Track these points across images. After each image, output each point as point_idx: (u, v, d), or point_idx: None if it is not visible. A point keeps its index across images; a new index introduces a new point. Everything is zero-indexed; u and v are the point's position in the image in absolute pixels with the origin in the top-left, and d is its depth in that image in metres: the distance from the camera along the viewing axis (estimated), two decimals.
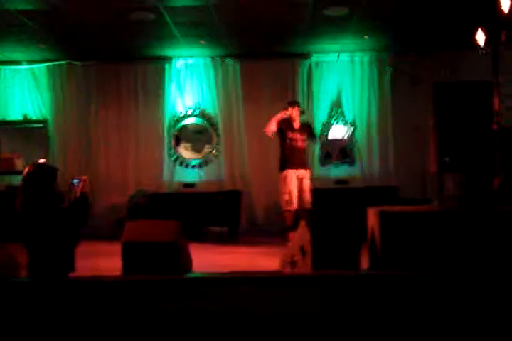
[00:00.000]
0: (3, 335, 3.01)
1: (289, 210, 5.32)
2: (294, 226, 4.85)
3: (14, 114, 7.40)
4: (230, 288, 3.40)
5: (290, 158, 5.47)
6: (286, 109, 5.60)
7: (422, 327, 2.86)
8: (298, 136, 5.55)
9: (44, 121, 7.39)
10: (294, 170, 5.43)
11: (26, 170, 3.20)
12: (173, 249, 3.52)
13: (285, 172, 5.45)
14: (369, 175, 7.18)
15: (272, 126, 5.50)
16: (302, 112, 5.76)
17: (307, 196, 5.42)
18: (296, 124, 5.63)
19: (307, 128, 5.73)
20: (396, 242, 3.29)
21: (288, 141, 5.52)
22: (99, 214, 7.10)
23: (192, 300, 3.38)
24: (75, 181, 3.32)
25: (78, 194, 3.23)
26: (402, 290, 3.21)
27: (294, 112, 5.58)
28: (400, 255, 3.28)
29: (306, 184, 5.46)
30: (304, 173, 5.49)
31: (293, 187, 5.36)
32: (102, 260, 4.64)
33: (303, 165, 5.52)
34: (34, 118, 7.39)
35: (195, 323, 3.15)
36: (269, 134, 5.56)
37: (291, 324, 3.17)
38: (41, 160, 3.31)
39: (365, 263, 3.62)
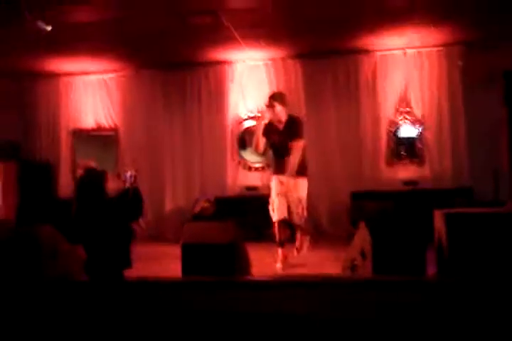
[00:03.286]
0: (59, 335, 3.12)
1: (274, 221, 4.57)
2: (282, 242, 4.52)
3: (87, 123, 7.79)
4: (287, 292, 3.32)
5: (274, 163, 4.80)
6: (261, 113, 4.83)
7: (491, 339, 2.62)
8: (280, 139, 4.61)
9: (115, 129, 7.73)
10: (277, 176, 4.63)
11: (78, 176, 3.35)
12: (231, 250, 3.50)
13: (272, 177, 4.73)
14: (440, 175, 6.79)
15: (261, 142, 4.68)
16: (281, 103, 4.63)
17: (297, 209, 4.50)
18: (279, 124, 4.67)
19: (290, 128, 4.63)
20: (464, 246, 3.05)
21: (271, 144, 4.74)
22: (166, 217, 7.31)
23: (249, 304, 3.34)
24: (128, 175, 3.43)
25: (129, 186, 3.33)
26: (472, 299, 2.97)
27: (271, 113, 4.63)
28: (469, 260, 3.04)
29: (295, 194, 4.50)
30: (291, 181, 4.51)
31: (275, 195, 4.53)
32: (165, 262, 4.74)
33: (284, 172, 4.55)
34: (106, 125, 7.75)
35: (251, 327, 3.11)
36: (260, 151, 4.82)
37: (348, 330, 3.05)
38: (91, 165, 3.45)
39: (431, 268, 3.40)
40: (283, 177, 4.52)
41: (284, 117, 4.64)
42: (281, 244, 4.53)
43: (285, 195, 4.48)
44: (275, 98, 4.66)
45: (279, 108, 4.60)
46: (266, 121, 4.66)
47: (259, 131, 4.66)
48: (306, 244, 4.64)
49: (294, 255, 4.65)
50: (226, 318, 3.19)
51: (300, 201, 4.47)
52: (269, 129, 4.66)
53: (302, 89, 7.13)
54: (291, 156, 4.48)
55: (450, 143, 6.80)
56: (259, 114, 6.61)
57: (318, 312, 3.11)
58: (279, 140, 4.61)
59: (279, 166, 4.62)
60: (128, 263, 3.28)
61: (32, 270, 3.67)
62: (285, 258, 4.51)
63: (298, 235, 4.65)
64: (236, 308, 3.32)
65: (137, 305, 3.26)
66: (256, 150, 4.81)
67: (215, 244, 3.49)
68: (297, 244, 4.67)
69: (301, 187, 4.52)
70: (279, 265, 4.47)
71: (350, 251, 3.73)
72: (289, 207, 4.47)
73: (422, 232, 3.38)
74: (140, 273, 3.61)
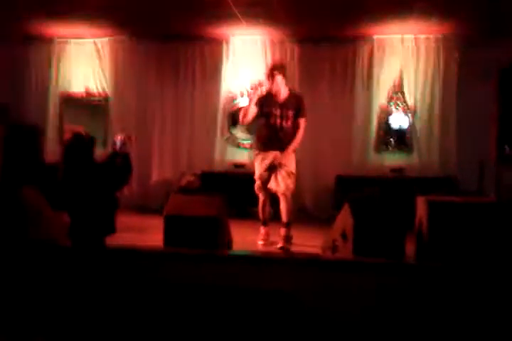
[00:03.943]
0: (39, 299, 3.14)
1: (260, 197, 4.54)
2: (265, 221, 4.52)
3: (77, 88, 7.67)
4: (266, 268, 3.37)
5: (264, 138, 4.48)
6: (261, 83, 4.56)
7: (466, 322, 2.71)
8: (277, 111, 4.41)
9: (105, 96, 7.61)
10: (267, 152, 4.46)
11: (65, 141, 3.30)
12: (215, 224, 3.52)
13: (256, 153, 4.57)
14: (427, 164, 6.86)
15: (250, 112, 4.42)
16: (283, 74, 4.45)
17: (285, 180, 4.40)
18: (280, 97, 4.48)
19: (294, 102, 4.46)
20: (444, 233, 3.11)
21: (264, 117, 4.47)
22: (152, 188, 7.30)
23: (229, 277, 3.38)
24: (118, 140, 3.40)
25: (119, 151, 3.30)
26: (448, 283, 3.05)
27: (274, 83, 4.42)
28: (447, 247, 3.11)
29: (284, 166, 4.40)
30: (280, 156, 4.40)
31: (264, 170, 4.43)
32: (148, 233, 4.75)
33: (280, 147, 4.42)
34: (96, 92, 7.63)
35: (229, 300, 3.16)
36: (246, 122, 4.60)
37: (326, 308, 3.11)
38: (79, 130, 3.39)
39: (410, 253, 3.47)
40: (276, 153, 4.40)
41: (284, 90, 4.47)
42: (265, 223, 4.55)
43: (275, 170, 4.40)
44: (277, 68, 4.48)
45: (279, 79, 4.42)
46: (262, 91, 4.47)
47: (252, 101, 4.44)
48: (290, 240, 4.49)
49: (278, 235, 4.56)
50: (205, 291, 3.23)
51: (289, 175, 4.41)
52: (266, 100, 4.44)
53: (297, 73, 7.08)
54: (298, 132, 4.43)
55: (439, 133, 6.84)
56: (253, 87, 6.45)
57: (297, 290, 3.16)
58: (278, 113, 4.41)
59: (271, 141, 4.41)
60: (112, 229, 3.29)
61: (16, 231, 3.66)
62: (267, 236, 4.55)
63: (283, 229, 4.48)
64: (216, 281, 3.37)
65: (117, 272, 3.28)
66: (242, 121, 4.56)
67: (198, 216, 3.51)
68: (282, 237, 4.45)
69: (293, 161, 4.48)
70: (261, 242, 4.52)
71: (331, 232, 3.78)
72: (277, 181, 4.39)
73: (404, 217, 3.44)
74: (122, 243, 3.63)
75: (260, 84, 4.53)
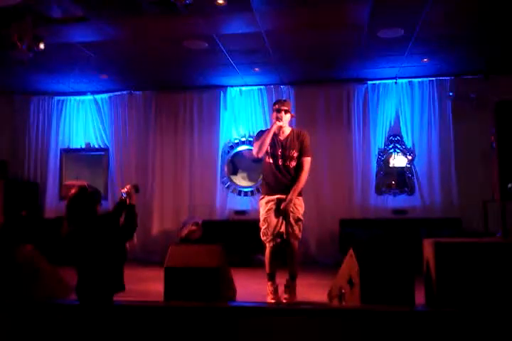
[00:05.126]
0: None
1: (267, 245, 4.10)
2: (273, 275, 4.05)
3: (78, 142, 7.76)
4: (273, 320, 3.24)
5: (269, 180, 4.15)
6: (275, 116, 4.15)
7: None
8: (279, 151, 4.12)
9: (105, 149, 7.69)
10: (271, 196, 4.11)
11: (70, 194, 3.25)
12: (215, 275, 3.42)
13: (261, 197, 4.21)
14: (430, 205, 6.80)
15: (267, 143, 4.10)
16: (292, 115, 4.24)
17: (292, 229, 4.04)
18: (283, 136, 4.19)
19: (297, 141, 4.15)
20: (453, 276, 3.00)
21: (267, 158, 4.16)
22: (153, 239, 7.21)
23: (233, 330, 3.25)
24: (123, 195, 3.34)
25: (125, 201, 3.25)
26: (461, 329, 2.91)
27: (282, 117, 4.12)
28: (457, 290, 2.99)
29: (292, 213, 4.05)
30: (286, 201, 4.04)
31: (269, 217, 4.06)
32: (152, 285, 4.62)
33: (285, 189, 4.07)
34: (96, 146, 7.71)
35: None
36: (261, 154, 4.16)
37: None
38: (83, 184, 3.35)
39: (420, 298, 3.34)
40: (281, 197, 4.05)
41: (287, 128, 4.21)
42: (272, 277, 4.07)
43: (281, 215, 4.04)
44: (285, 104, 4.20)
45: (287, 117, 4.17)
46: (280, 124, 4.12)
47: (271, 132, 4.09)
48: (295, 291, 4.09)
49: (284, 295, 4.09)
50: None
51: (297, 222, 4.07)
52: (272, 140, 4.13)
53: (294, 116, 7.14)
54: (302, 173, 4.08)
55: (440, 172, 6.84)
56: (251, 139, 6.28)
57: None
58: (280, 153, 4.13)
59: (275, 183, 4.11)
60: (121, 286, 3.18)
61: (11, 290, 3.55)
62: (277, 292, 4.06)
63: (289, 280, 4.09)
64: (219, 335, 3.23)
65: (123, 329, 3.18)
66: (258, 152, 4.13)
67: (199, 267, 3.41)
68: (288, 289, 4.06)
69: (300, 206, 4.11)
70: (270, 299, 4.01)
71: (337, 279, 3.66)
72: (285, 227, 4.04)
73: (411, 261, 3.34)
74: (123, 296, 3.53)
75: (277, 119, 4.14)
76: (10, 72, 6.57)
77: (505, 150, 3.21)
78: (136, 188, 3.41)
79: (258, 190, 7.17)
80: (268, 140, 4.08)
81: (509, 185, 3.11)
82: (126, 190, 3.36)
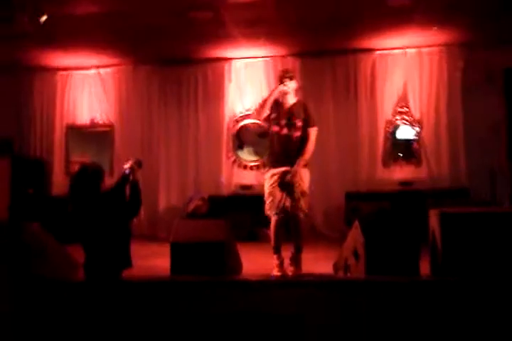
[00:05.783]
0: (56, 335, 3.06)
1: (272, 219, 4.06)
2: (278, 248, 4.02)
3: (83, 118, 7.71)
4: (279, 293, 3.25)
5: (274, 152, 4.08)
6: (280, 79, 4.08)
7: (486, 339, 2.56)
8: (284, 120, 4.02)
9: (110, 125, 7.64)
10: (276, 168, 4.03)
11: (72, 173, 3.25)
12: (221, 249, 3.43)
13: (267, 170, 4.15)
14: (437, 176, 6.72)
15: (268, 104, 3.99)
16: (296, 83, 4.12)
17: (298, 202, 3.98)
18: (288, 105, 4.09)
19: (302, 111, 4.07)
20: (458, 246, 2.98)
21: (271, 127, 4.07)
22: (160, 215, 7.24)
23: (240, 303, 3.27)
24: (126, 170, 3.31)
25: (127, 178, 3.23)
26: (466, 298, 2.91)
27: (284, 88, 4.02)
28: (463, 260, 2.97)
29: (297, 186, 3.96)
30: (292, 173, 3.96)
31: (274, 191, 3.99)
32: (159, 260, 4.66)
33: (289, 161, 3.98)
34: (101, 121, 7.65)
35: (241, 327, 3.05)
36: (263, 114, 4.05)
37: (342, 331, 2.98)
38: (86, 162, 3.33)
39: (425, 268, 3.33)
40: (286, 169, 3.95)
41: (292, 98, 4.10)
42: (278, 250, 4.03)
43: (287, 188, 3.95)
44: (289, 73, 4.10)
45: (292, 85, 4.06)
46: (276, 96, 4.03)
47: (271, 100, 4.00)
48: (300, 264, 4.07)
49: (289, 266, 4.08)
50: (216, 319, 3.13)
51: (303, 194, 4.00)
52: (275, 109, 4.03)
53: (300, 88, 7.02)
54: (307, 144, 3.99)
55: (447, 143, 6.74)
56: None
57: (311, 313, 3.05)
58: (285, 122, 4.02)
59: (280, 155, 4.01)
60: (128, 263, 3.19)
61: (19, 268, 3.59)
62: (282, 265, 4.06)
63: (294, 253, 4.06)
64: (226, 309, 3.26)
65: (130, 305, 3.21)
66: (259, 113, 4.06)
67: (204, 242, 3.42)
68: (293, 262, 4.05)
69: (306, 178, 4.03)
70: (277, 273, 4.00)
71: (343, 251, 3.66)
72: (290, 200, 3.97)
73: (417, 232, 3.32)
74: (130, 272, 3.56)
75: (275, 89, 4.08)
76: (12, 47, 6.46)
77: None
78: (139, 163, 3.38)
79: (264, 165, 7.13)
80: (269, 102, 3.97)
81: None
82: (128, 165, 3.33)
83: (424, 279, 3.07)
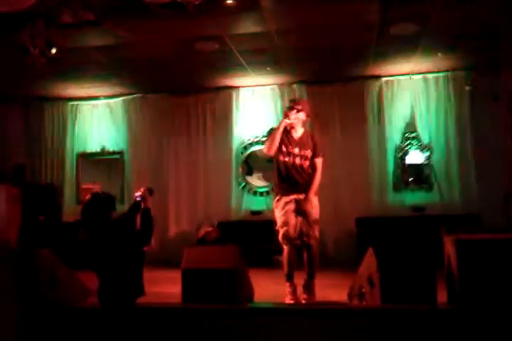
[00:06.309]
0: None
1: (285, 248, 4.03)
2: (291, 275, 3.98)
3: (93, 146, 7.80)
4: (292, 321, 3.19)
5: (284, 180, 4.07)
6: (285, 113, 4.15)
7: None
8: (296, 150, 4.07)
9: (120, 152, 7.72)
10: (289, 196, 4.03)
11: (83, 201, 3.26)
12: (232, 276, 3.39)
13: (277, 199, 4.09)
14: (449, 201, 6.68)
15: (278, 138, 4.03)
16: (307, 115, 4.18)
17: (310, 230, 3.99)
18: (296, 135, 4.14)
19: (310, 141, 4.12)
20: (476, 273, 2.93)
21: (281, 156, 4.08)
22: (170, 241, 7.21)
23: (252, 331, 3.22)
24: (138, 198, 3.33)
25: (139, 205, 3.24)
26: (485, 328, 2.84)
27: (293, 117, 4.07)
28: (480, 288, 2.91)
29: (310, 214, 4.00)
30: (303, 201, 4.00)
31: (289, 218, 3.98)
32: (171, 286, 4.61)
33: (301, 189, 4.03)
34: (111, 149, 7.75)
35: None
36: (273, 151, 4.09)
37: None
38: (97, 190, 3.36)
39: (442, 296, 3.27)
40: (298, 197, 3.98)
41: (300, 128, 4.15)
42: (291, 278, 3.99)
43: (298, 216, 3.97)
44: (299, 103, 4.18)
45: (301, 115, 4.10)
46: (289, 121, 4.06)
47: (282, 127, 4.03)
48: (314, 291, 4.04)
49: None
50: None
51: (315, 222, 4.02)
52: (284, 138, 4.07)
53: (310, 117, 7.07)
54: (316, 173, 4.06)
55: (458, 168, 6.73)
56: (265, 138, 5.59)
57: None
58: (297, 152, 4.07)
59: (292, 183, 4.03)
60: (141, 291, 3.18)
61: (30, 294, 3.57)
62: (296, 292, 4.01)
63: (307, 281, 4.03)
64: (238, 337, 3.20)
65: (144, 332, 3.17)
66: (269, 149, 4.07)
67: (215, 268, 3.39)
68: (306, 289, 4.02)
69: (316, 207, 4.07)
70: (289, 300, 3.95)
71: (357, 279, 3.60)
72: (303, 229, 3.97)
73: (431, 259, 3.27)
74: (143, 299, 3.53)
75: (286, 116, 4.10)
76: (23, 78, 6.62)
77: None
78: (150, 191, 3.40)
79: (273, 192, 7.11)
80: (278, 136, 4.03)
81: None
82: (140, 193, 3.35)
83: (442, 308, 3.00)
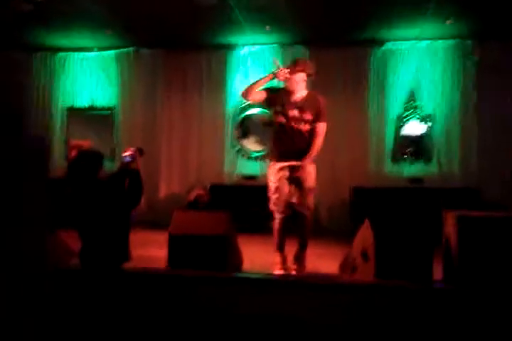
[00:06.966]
0: (49, 324, 2.93)
1: (276, 216, 3.85)
2: (282, 246, 3.82)
3: (82, 101, 7.49)
4: (280, 292, 3.09)
5: (280, 145, 3.83)
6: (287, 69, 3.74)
7: None
8: (296, 113, 3.77)
9: (111, 108, 7.43)
10: (283, 162, 3.78)
11: (70, 158, 3.11)
12: (221, 243, 3.25)
13: (271, 164, 3.88)
14: (448, 174, 6.53)
15: (259, 94, 3.77)
16: (309, 75, 3.80)
17: (305, 199, 3.79)
18: (297, 96, 3.82)
19: (313, 105, 3.80)
20: (476, 252, 2.80)
21: (278, 117, 3.81)
22: (160, 203, 7.06)
23: (238, 302, 3.11)
24: (127, 159, 3.17)
25: (126, 167, 3.08)
26: (481, 309, 2.73)
27: (292, 78, 3.74)
28: (480, 266, 2.79)
29: (305, 181, 3.77)
30: (299, 168, 3.75)
31: (281, 185, 3.77)
32: (158, 250, 4.50)
33: (298, 155, 3.76)
34: (101, 105, 7.44)
35: (238, 326, 2.90)
36: (249, 98, 3.84)
37: (346, 337, 2.83)
38: (85, 147, 3.18)
39: (437, 273, 3.15)
40: (293, 163, 3.74)
41: (303, 90, 3.83)
42: (281, 248, 3.84)
43: (294, 184, 3.76)
44: (300, 64, 3.79)
45: (300, 76, 3.76)
46: (276, 72, 3.72)
47: (261, 82, 3.73)
48: (304, 261, 3.90)
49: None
50: (213, 316, 2.98)
51: (310, 191, 3.81)
52: (282, 95, 3.78)
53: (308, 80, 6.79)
54: (316, 139, 3.76)
55: (460, 141, 6.53)
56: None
57: (314, 316, 2.90)
58: (295, 114, 3.76)
59: (288, 148, 3.78)
60: (126, 257, 3.04)
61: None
62: (285, 263, 3.88)
63: (298, 251, 3.89)
64: (224, 306, 3.11)
65: (127, 297, 3.08)
66: (244, 94, 3.81)
67: (204, 235, 3.24)
68: (297, 260, 3.89)
69: (313, 174, 3.83)
70: (278, 271, 3.81)
71: (350, 250, 3.48)
72: (298, 197, 3.77)
73: (430, 234, 3.13)
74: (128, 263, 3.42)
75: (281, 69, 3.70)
76: (10, 27, 6.24)
77: None
78: (140, 151, 3.22)
79: (267, 157, 6.92)
80: (259, 84, 3.72)
81: None
82: (129, 153, 3.16)
83: (438, 287, 2.89)
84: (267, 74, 3.81)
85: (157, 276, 3.23)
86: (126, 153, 3.18)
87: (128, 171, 3.15)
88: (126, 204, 3.11)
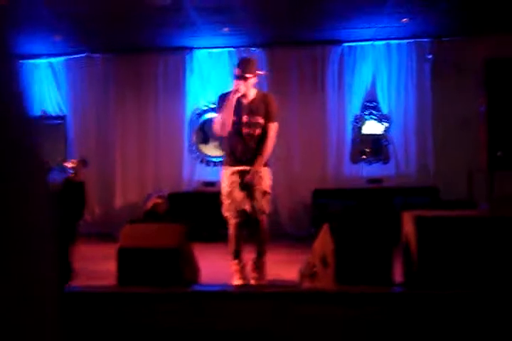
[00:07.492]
0: None
1: (230, 222, 3.74)
2: (238, 252, 3.70)
3: (33, 110, 7.17)
4: (239, 304, 2.94)
5: (232, 150, 3.69)
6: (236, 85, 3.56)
7: None
8: (248, 118, 3.62)
9: (63, 117, 7.14)
10: (235, 167, 3.68)
11: None
12: (175, 256, 3.08)
13: (224, 170, 3.77)
14: (406, 174, 6.56)
15: (229, 122, 3.59)
16: (254, 73, 3.59)
17: (259, 202, 3.65)
18: (248, 100, 3.65)
19: (263, 106, 3.65)
20: (436, 254, 2.73)
21: (232, 125, 3.64)
22: (116, 212, 6.81)
23: (196, 317, 2.95)
24: (70, 171, 2.97)
25: (69, 179, 2.89)
26: (442, 312, 2.67)
27: (247, 83, 3.55)
28: (440, 269, 2.72)
29: (257, 186, 3.63)
30: (251, 173, 3.62)
31: (233, 191, 3.65)
32: (110, 264, 4.28)
33: (250, 160, 3.63)
34: (53, 113, 7.14)
35: None
36: (226, 133, 3.68)
37: None
38: None
39: (398, 274, 3.08)
40: (246, 168, 3.62)
41: (252, 91, 3.66)
42: (237, 255, 3.72)
43: (246, 189, 3.63)
44: (248, 66, 3.59)
45: (252, 80, 3.59)
46: (240, 94, 3.56)
47: (231, 107, 3.55)
48: (264, 269, 3.75)
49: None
50: (170, 333, 2.81)
51: (264, 195, 3.67)
52: (236, 105, 3.59)
53: (265, 80, 6.70)
54: (267, 141, 3.62)
55: (416, 141, 6.57)
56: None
57: (273, 327, 2.77)
58: (245, 119, 3.62)
59: (239, 154, 3.65)
60: (68, 275, 2.82)
61: None
62: (243, 271, 3.73)
63: (256, 259, 3.74)
64: (179, 323, 2.94)
65: (74, 318, 2.85)
66: (222, 132, 3.65)
67: (157, 248, 3.06)
68: (255, 269, 3.74)
69: (266, 178, 3.69)
70: (237, 282, 3.67)
71: (310, 257, 3.37)
72: (250, 202, 3.63)
73: (389, 236, 3.05)
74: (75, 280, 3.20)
75: (236, 87, 3.55)
76: None
77: (495, 114, 2.87)
78: (83, 162, 3.03)
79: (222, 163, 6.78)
80: (230, 116, 3.57)
81: (499, 153, 2.81)
82: (71, 164, 2.97)
83: (400, 291, 2.81)
84: (228, 98, 3.58)
85: (104, 295, 3.03)
86: (69, 165, 2.99)
87: (71, 183, 2.95)
88: (68, 218, 2.90)
